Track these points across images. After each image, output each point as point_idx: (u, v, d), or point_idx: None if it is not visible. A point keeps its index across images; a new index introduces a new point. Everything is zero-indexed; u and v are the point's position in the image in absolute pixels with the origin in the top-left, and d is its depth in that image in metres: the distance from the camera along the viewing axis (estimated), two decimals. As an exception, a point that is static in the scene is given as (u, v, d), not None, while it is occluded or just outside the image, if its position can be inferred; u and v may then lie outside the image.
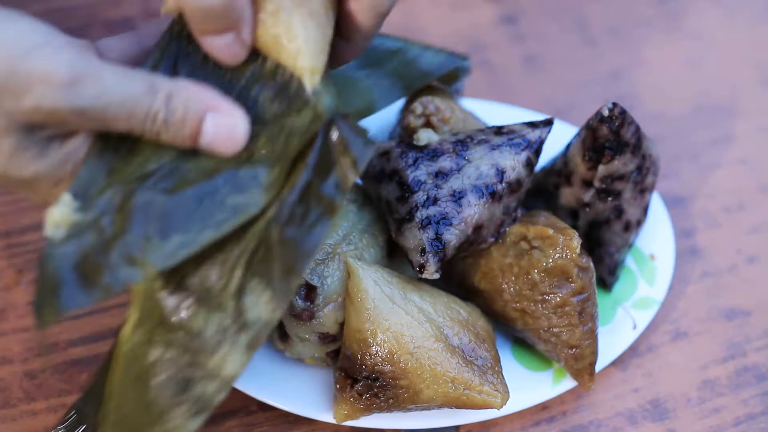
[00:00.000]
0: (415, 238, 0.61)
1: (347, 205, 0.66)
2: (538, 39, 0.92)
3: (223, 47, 0.54)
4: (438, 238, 0.61)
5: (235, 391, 0.67)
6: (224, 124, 0.53)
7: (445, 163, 0.64)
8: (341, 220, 0.65)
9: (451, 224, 0.61)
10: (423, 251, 0.61)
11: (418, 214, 0.62)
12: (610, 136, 0.65)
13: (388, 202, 0.64)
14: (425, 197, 0.62)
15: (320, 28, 0.54)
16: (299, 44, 0.53)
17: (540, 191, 0.72)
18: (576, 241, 0.63)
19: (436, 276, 0.61)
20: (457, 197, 0.62)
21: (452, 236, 0.61)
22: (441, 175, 0.63)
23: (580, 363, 0.65)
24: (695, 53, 0.92)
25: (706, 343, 0.71)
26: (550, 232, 0.63)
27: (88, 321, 0.71)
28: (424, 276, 0.61)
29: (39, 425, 0.66)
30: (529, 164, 0.65)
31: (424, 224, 0.61)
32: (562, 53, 0.91)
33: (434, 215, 0.62)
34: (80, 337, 0.71)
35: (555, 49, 0.92)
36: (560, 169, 0.70)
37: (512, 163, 0.64)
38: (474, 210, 0.62)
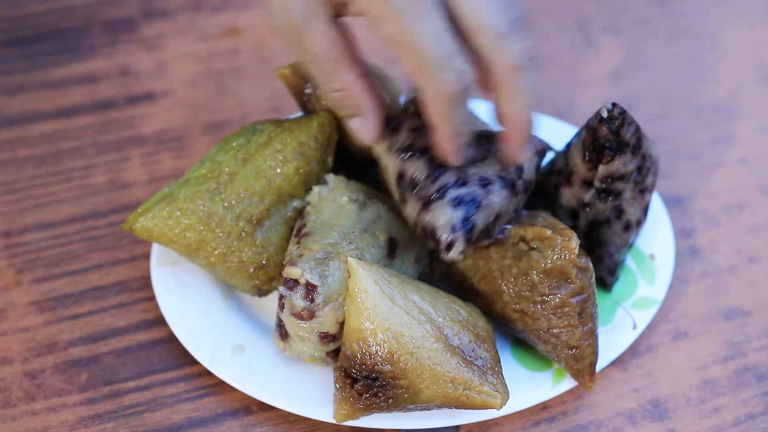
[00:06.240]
0: (444, 215, 0.61)
1: (347, 204, 0.66)
2: (538, 39, 0.92)
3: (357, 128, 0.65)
4: (468, 218, 0.61)
5: (235, 391, 0.67)
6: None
7: (471, 150, 0.64)
8: (342, 220, 0.65)
9: (479, 206, 0.62)
10: (454, 228, 0.61)
11: (450, 193, 0.62)
12: (610, 137, 0.65)
13: (413, 178, 0.64)
14: (455, 178, 0.62)
15: None
16: None
17: (540, 191, 0.72)
18: (574, 242, 0.62)
19: (460, 257, 0.62)
20: (485, 183, 0.63)
21: (481, 219, 0.62)
22: (467, 160, 0.64)
23: (581, 363, 0.65)
24: (695, 53, 0.92)
25: (706, 343, 0.71)
26: (548, 233, 0.63)
27: (88, 321, 0.71)
28: (449, 256, 0.61)
29: (39, 425, 0.66)
30: (537, 170, 0.67)
31: (455, 203, 0.62)
32: (562, 53, 0.91)
33: (465, 196, 0.62)
34: (80, 337, 0.71)
35: (555, 49, 0.92)
36: (560, 169, 0.70)
37: (528, 164, 0.65)
38: (498, 198, 0.63)
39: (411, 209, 0.64)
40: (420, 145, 0.65)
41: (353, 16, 0.60)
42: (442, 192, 0.62)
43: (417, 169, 0.64)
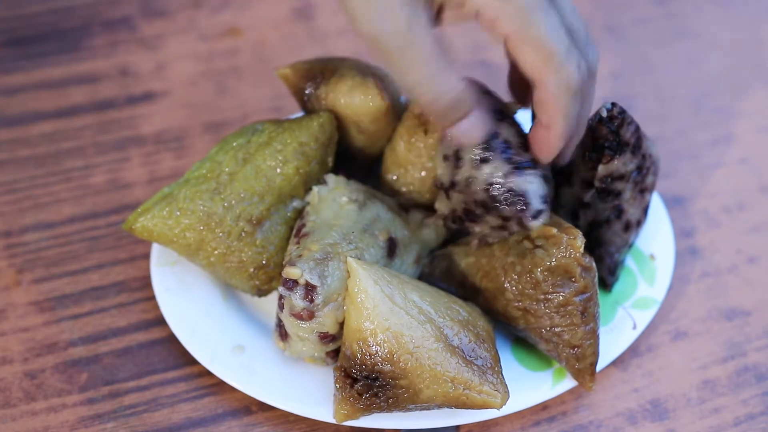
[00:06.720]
0: (538, 184, 0.63)
1: (347, 204, 0.66)
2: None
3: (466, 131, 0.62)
4: (547, 196, 0.63)
5: (235, 391, 0.67)
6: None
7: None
8: (341, 220, 0.65)
9: (550, 190, 0.65)
10: (545, 199, 0.63)
11: (539, 168, 0.64)
12: (610, 136, 0.65)
13: (507, 140, 0.64)
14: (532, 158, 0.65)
15: None
16: None
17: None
18: (580, 241, 0.62)
19: (539, 228, 0.63)
20: (548, 175, 0.65)
21: (549, 201, 0.64)
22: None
23: (582, 363, 0.65)
24: (695, 53, 0.92)
25: (706, 343, 0.71)
26: (554, 231, 0.63)
27: (88, 321, 0.71)
28: (533, 223, 0.63)
29: (39, 425, 0.66)
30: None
31: (545, 178, 0.64)
32: (562, 53, 0.91)
33: (549, 177, 0.64)
34: (80, 337, 0.71)
35: (555, 49, 0.92)
36: (560, 169, 0.70)
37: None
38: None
39: (493, 169, 0.63)
40: (510, 114, 0.67)
41: (459, 19, 0.60)
42: (532, 164, 0.64)
43: (511, 135, 0.64)
